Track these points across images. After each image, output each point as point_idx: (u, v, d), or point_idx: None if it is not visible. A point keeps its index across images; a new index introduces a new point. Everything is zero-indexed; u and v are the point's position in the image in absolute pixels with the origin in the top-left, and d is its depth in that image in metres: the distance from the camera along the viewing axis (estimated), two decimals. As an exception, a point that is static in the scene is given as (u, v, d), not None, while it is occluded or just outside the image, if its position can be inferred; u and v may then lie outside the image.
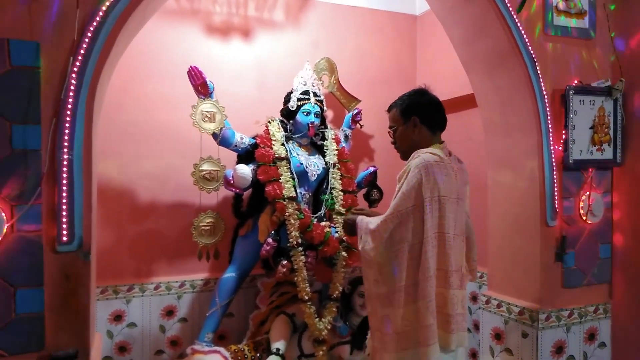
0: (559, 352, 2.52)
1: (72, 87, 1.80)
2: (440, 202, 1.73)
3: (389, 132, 2.00)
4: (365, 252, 1.81)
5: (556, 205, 2.51)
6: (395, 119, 1.94)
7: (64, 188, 1.79)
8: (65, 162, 1.79)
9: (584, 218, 2.61)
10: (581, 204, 2.61)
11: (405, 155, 1.90)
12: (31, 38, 1.76)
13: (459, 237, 1.81)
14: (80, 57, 1.82)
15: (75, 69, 1.81)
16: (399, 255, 1.71)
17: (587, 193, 2.62)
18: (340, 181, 3.01)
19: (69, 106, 1.79)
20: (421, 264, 1.70)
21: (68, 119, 1.79)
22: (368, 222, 1.83)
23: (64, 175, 1.79)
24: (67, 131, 1.79)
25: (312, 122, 2.93)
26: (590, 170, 2.64)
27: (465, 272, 1.89)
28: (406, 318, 1.71)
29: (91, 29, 1.83)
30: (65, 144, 1.79)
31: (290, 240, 2.74)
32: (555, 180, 2.51)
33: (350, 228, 1.93)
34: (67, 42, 1.81)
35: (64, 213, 1.78)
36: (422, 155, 1.78)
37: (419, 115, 1.87)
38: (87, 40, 1.82)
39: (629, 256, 2.64)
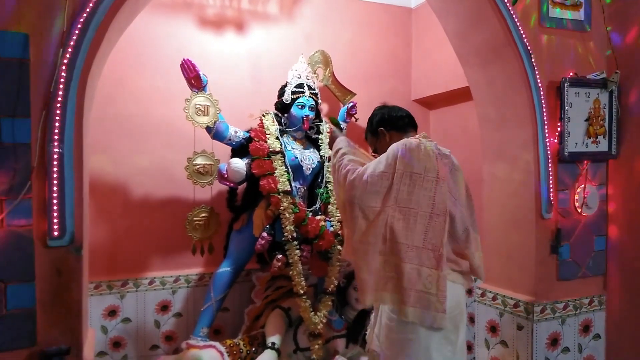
0: (554, 344, 2.53)
1: (62, 80, 1.78)
2: (411, 178, 1.79)
3: (373, 156, 2.11)
4: (334, 177, 2.01)
5: (551, 198, 2.51)
6: (371, 141, 2.16)
7: (55, 182, 1.77)
8: (55, 156, 1.77)
9: (579, 210, 2.61)
10: (576, 197, 2.61)
11: None
12: (19, 29, 1.73)
13: (438, 216, 1.80)
14: (70, 49, 1.79)
15: (65, 61, 1.78)
16: (354, 210, 1.81)
17: (582, 185, 2.62)
18: (335, 175, 2.99)
19: (59, 99, 1.77)
20: (368, 229, 1.79)
21: (58, 111, 1.77)
22: (344, 152, 2.02)
23: (55, 169, 1.77)
24: (57, 124, 1.77)
25: (307, 116, 2.92)
26: (585, 162, 2.63)
27: (446, 253, 1.84)
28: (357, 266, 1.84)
29: (81, 20, 1.81)
30: (56, 137, 1.77)
31: (285, 234, 2.73)
32: (550, 173, 2.51)
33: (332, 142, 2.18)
34: (57, 33, 1.78)
35: (55, 207, 1.76)
36: (402, 140, 1.91)
37: (383, 125, 2.08)
38: (77, 31, 1.80)
39: (623, 248, 2.64)
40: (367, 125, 2.17)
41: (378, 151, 2.07)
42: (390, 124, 2.06)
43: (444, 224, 1.82)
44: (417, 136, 1.95)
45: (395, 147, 1.85)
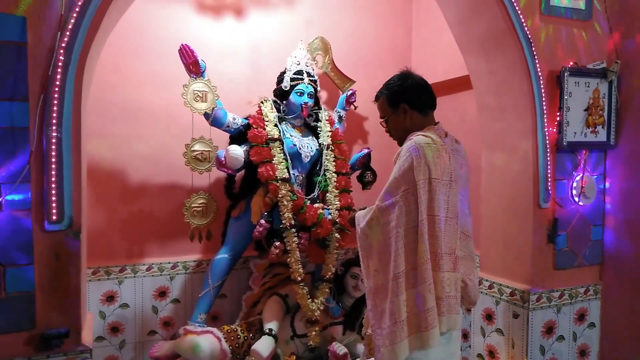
0: (549, 333, 2.56)
1: (60, 64, 1.76)
2: (431, 184, 1.71)
3: (380, 122, 1.98)
4: (365, 242, 1.81)
5: (549, 188, 2.51)
6: (384, 108, 1.94)
7: (53, 166, 1.76)
8: (54, 140, 1.76)
9: (577, 200, 2.62)
10: (574, 186, 2.61)
11: (401, 142, 1.89)
12: (17, 12, 1.71)
13: (451, 219, 1.78)
14: (68, 33, 1.77)
15: (63, 45, 1.77)
16: (396, 241, 1.70)
17: (580, 175, 2.62)
18: (333, 163, 2.99)
19: (57, 83, 1.76)
20: (418, 247, 1.69)
21: (56, 95, 1.76)
22: (365, 213, 1.83)
23: (53, 153, 1.76)
24: (55, 108, 1.76)
25: (306, 103, 2.90)
26: (583, 152, 2.64)
27: (462, 254, 1.87)
28: (408, 304, 1.70)
29: (79, 3, 1.79)
30: (54, 121, 1.76)
31: (283, 221, 2.73)
32: (548, 163, 2.51)
33: (352, 223, 1.92)
34: (54, 16, 1.76)
35: (54, 192, 1.76)
36: (414, 138, 1.78)
37: (407, 102, 1.86)
38: (75, 14, 1.78)
39: (620, 238, 2.65)
40: (385, 92, 1.92)
41: (388, 123, 1.94)
42: (415, 102, 1.86)
43: (456, 226, 1.79)
44: (426, 132, 1.81)
45: (407, 158, 1.71)
